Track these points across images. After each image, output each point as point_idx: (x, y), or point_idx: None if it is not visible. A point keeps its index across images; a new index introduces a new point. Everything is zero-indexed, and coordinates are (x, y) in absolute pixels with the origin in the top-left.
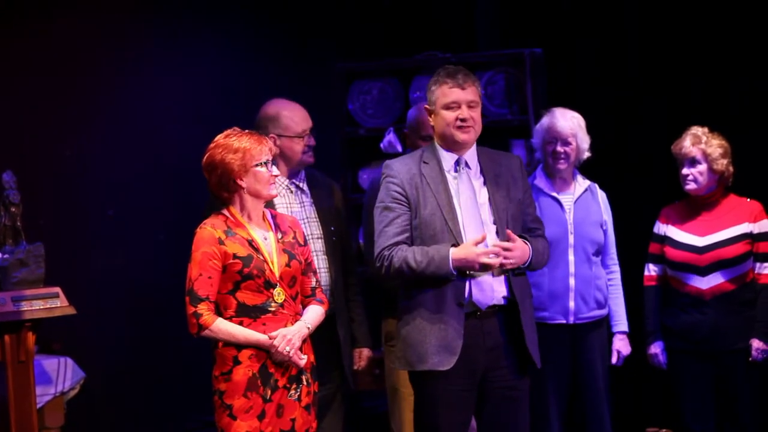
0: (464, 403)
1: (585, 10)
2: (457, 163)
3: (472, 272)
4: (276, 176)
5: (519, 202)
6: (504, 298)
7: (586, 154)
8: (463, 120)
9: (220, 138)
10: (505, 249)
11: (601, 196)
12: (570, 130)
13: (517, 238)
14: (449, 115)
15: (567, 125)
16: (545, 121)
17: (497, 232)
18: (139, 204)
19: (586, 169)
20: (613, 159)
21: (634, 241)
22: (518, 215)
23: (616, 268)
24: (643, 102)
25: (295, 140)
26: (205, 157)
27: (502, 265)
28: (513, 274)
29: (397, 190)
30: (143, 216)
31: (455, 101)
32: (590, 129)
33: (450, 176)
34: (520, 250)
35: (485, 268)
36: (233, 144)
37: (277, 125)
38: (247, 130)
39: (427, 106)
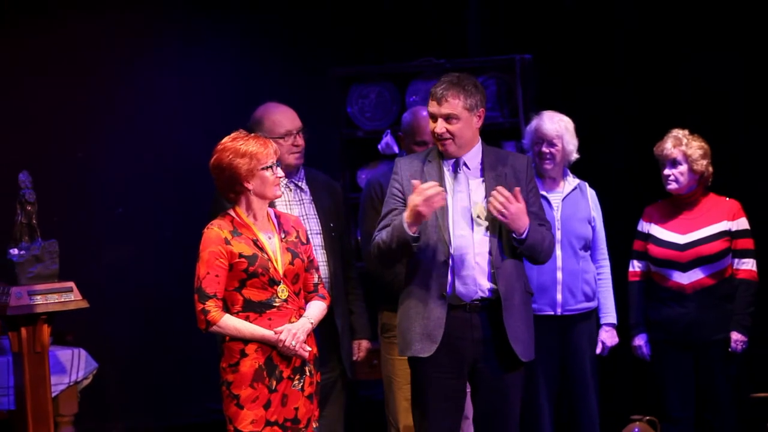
0: (453, 390)
1: (573, 18)
2: (456, 164)
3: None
4: (281, 177)
5: None
6: (490, 291)
7: (575, 155)
8: (437, 134)
9: (227, 141)
10: (507, 198)
11: (591, 194)
12: (555, 132)
13: (523, 201)
14: (431, 126)
15: (553, 128)
16: (534, 123)
17: (487, 229)
18: (147, 203)
19: (577, 168)
20: (602, 159)
21: (625, 238)
22: None
23: (606, 263)
24: (628, 105)
25: (278, 141)
26: (213, 159)
27: (496, 212)
28: (499, 247)
29: (396, 187)
30: (151, 214)
31: (432, 114)
32: (579, 131)
33: (448, 175)
34: (519, 212)
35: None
36: (240, 148)
37: (261, 128)
38: (252, 134)
39: None
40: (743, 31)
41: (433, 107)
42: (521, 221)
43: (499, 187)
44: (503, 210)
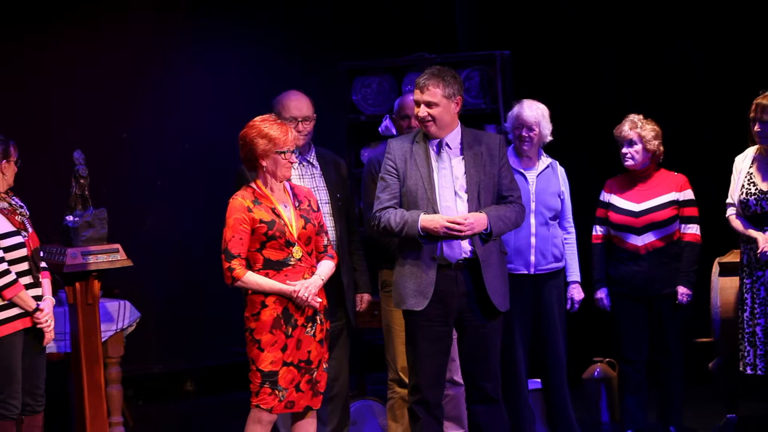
0: (441, 336)
1: (546, 20)
2: (439, 144)
3: (439, 237)
4: (293, 163)
5: (494, 175)
6: (471, 252)
7: (549, 138)
8: (420, 117)
9: (258, 120)
10: (458, 223)
11: (561, 171)
12: (534, 119)
13: (469, 215)
14: (416, 111)
15: (532, 114)
16: (515, 109)
17: (468, 200)
18: (182, 177)
19: (550, 148)
20: (570, 142)
21: (589, 207)
22: (491, 186)
23: (572, 230)
24: (591, 94)
25: None
26: (242, 131)
27: (460, 233)
28: (480, 239)
29: (391, 164)
30: (185, 186)
31: (416, 101)
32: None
33: (433, 154)
34: (476, 219)
35: (448, 236)
36: (264, 129)
37: (276, 110)
38: (279, 120)
39: None
40: (711, 26)
41: (416, 95)
42: (481, 223)
43: (452, 218)
44: (466, 231)
